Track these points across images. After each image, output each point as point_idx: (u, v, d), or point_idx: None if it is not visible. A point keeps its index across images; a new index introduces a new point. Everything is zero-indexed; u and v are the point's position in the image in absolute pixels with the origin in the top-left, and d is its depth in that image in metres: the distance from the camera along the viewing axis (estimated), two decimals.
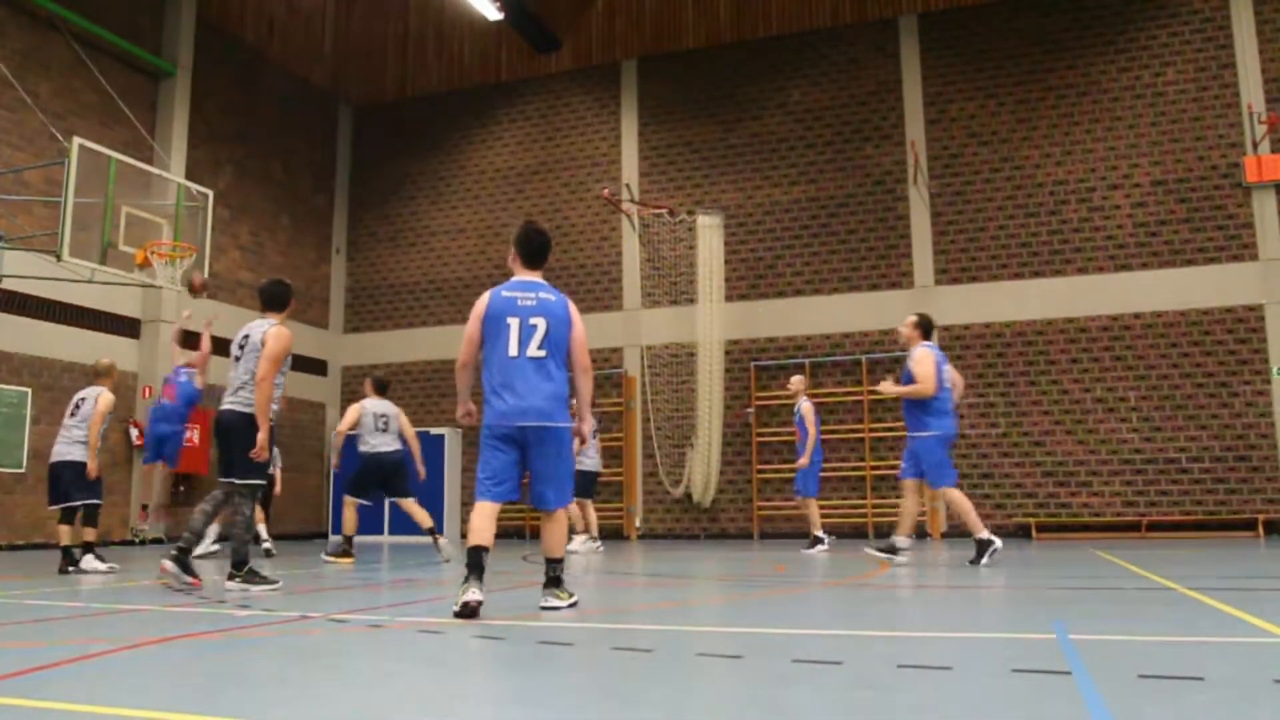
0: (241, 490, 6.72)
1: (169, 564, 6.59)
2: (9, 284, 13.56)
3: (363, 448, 10.71)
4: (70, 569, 8.76)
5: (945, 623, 5.14)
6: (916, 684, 3.11)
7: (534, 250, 5.60)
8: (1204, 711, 2.62)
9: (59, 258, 11.45)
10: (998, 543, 8.61)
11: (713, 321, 17.13)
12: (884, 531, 15.85)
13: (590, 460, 12.25)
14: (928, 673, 3.29)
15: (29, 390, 14.20)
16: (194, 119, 17.13)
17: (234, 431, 6.69)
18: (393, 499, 11.04)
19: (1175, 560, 9.06)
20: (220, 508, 6.95)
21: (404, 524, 18.35)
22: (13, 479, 13.92)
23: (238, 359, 6.86)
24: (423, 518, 10.72)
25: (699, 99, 18.44)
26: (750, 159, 17.89)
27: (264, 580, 6.60)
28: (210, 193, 13.67)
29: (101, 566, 8.86)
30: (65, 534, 9.00)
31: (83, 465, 8.95)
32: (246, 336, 6.88)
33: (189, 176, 15.76)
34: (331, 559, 10.21)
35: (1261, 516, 14.31)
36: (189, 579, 6.60)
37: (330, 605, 5.88)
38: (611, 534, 17.62)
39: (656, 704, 2.82)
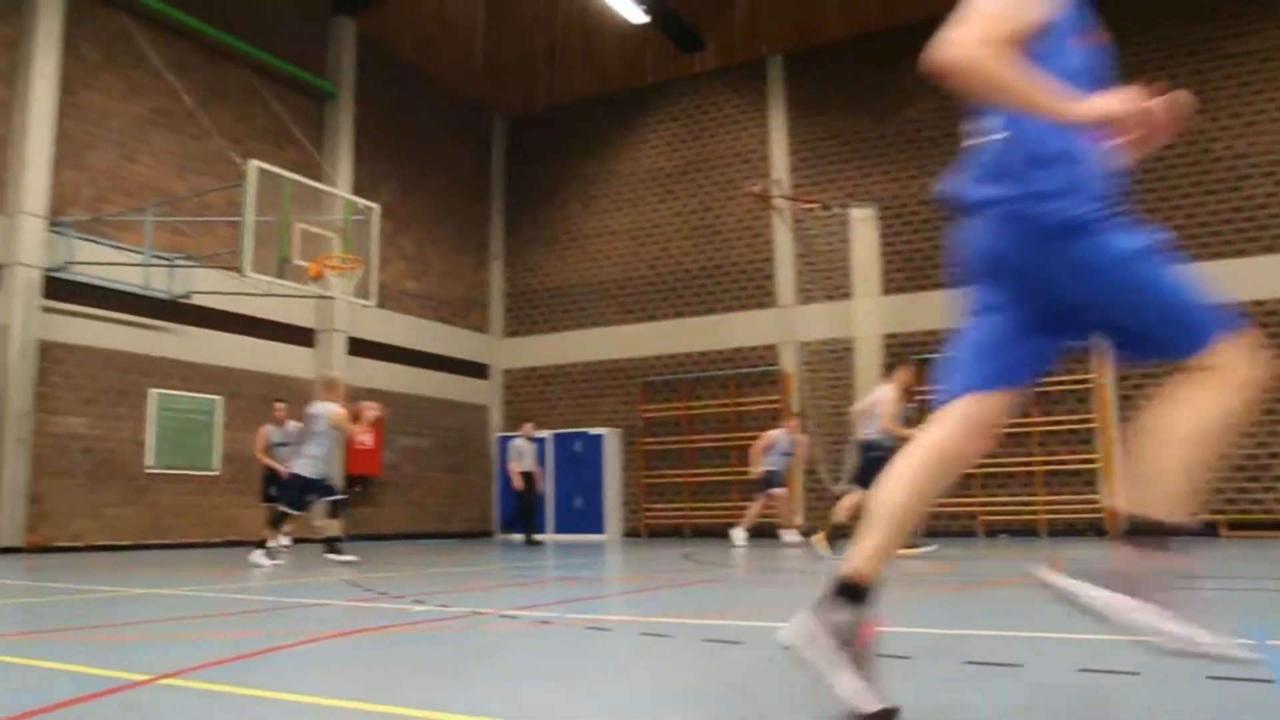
0: None
1: None
2: (198, 299, 14.53)
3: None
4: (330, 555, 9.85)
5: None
6: (1102, 689, 2.98)
7: None
8: None
9: (241, 273, 12.19)
10: None
11: (870, 316, 16.81)
12: (1060, 529, 15.24)
13: None
14: (1114, 678, 3.14)
15: (219, 398, 15.16)
16: (358, 136, 17.96)
17: None
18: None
19: None
20: None
21: (568, 523, 18.81)
22: (208, 481, 14.90)
23: None
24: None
25: (848, 90, 18.13)
26: (903, 148, 17.49)
27: None
28: (376, 206, 14.29)
29: (267, 563, 9.44)
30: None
31: (311, 480, 10.12)
32: None
33: (355, 192, 16.51)
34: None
35: None
36: None
37: (500, 602, 6.06)
38: (767, 532, 17.51)
39: (828, 704, 2.79)
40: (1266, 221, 14.81)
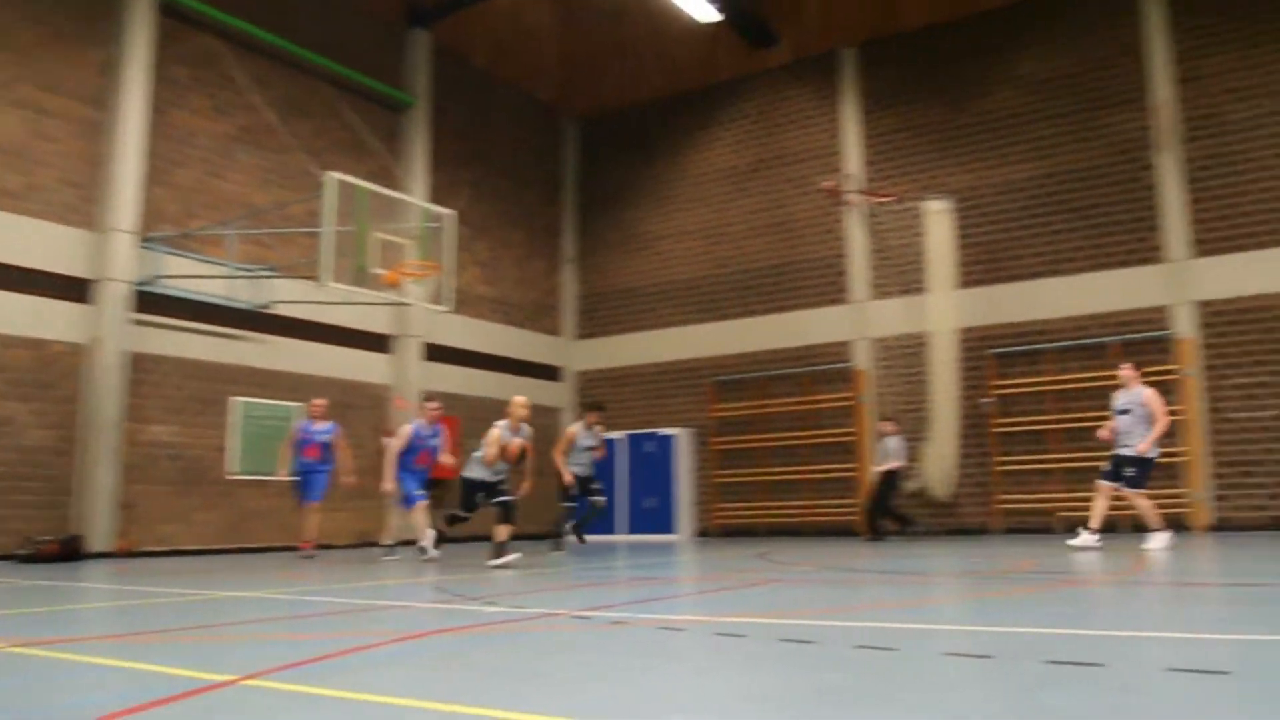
0: None
1: None
2: (279, 309, 14.89)
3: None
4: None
5: (1219, 623, 4.74)
6: (1191, 689, 2.88)
7: None
8: None
9: (321, 283, 12.45)
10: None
11: (945, 309, 16.54)
12: (1143, 525, 14.81)
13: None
14: (1203, 678, 3.04)
15: (298, 405, 15.48)
16: (433, 145, 18.21)
17: None
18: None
19: None
20: None
21: (640, 523, 18.84)
22: (287, 485, 15.21)
23: None
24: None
25: (922, 81, 17.84)
26: (981, 138, 17.14)
27: None
28: (451, 213, 14.47)
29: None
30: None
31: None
32: None
33: (430, 199, 16.74)
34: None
35: None
36: None
37: (573, 603, 6.09)
38: (839, 530, 17.32)
39: (908, 705, 2.74)
40: None
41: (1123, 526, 15.08)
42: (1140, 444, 10.12)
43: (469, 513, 10.56)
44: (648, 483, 19.06)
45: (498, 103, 20.14)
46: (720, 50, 19.96)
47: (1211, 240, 15.09)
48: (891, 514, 14.81)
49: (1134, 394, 10.45)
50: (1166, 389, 15.02)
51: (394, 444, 11.34)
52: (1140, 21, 15.97)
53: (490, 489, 10.25)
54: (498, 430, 10.16)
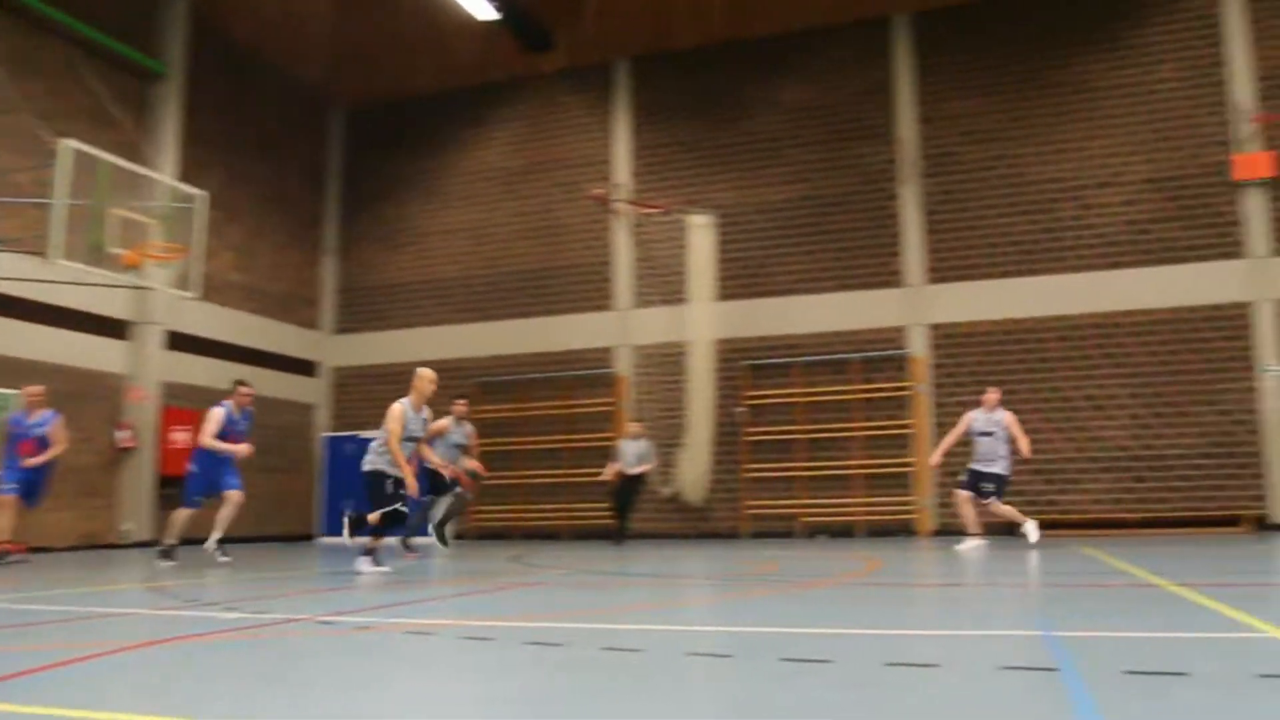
0: None
1: None
2: None
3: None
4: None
5: (932, 621, 5.16)
6: (905, 682, 3.12)
7: None
8: (1190, 707, 2.63)
9: (49, 260, 11.41)
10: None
11: (704, 321, 17.13)
12: (875, 530, 15.89)
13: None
14: (915, 670, 3.30)
15: (14, 392, 14.10)
16: (186, 120, 17.05)
17: None
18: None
19: (1162, 556, 9.08)
20: None
21: (396, 526, 18.35)
22: None
23: None
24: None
25: (692, 98, 18.43)
26: (743, 158, 17.89)
27: None
28: (204, 194, 13.60)
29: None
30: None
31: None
32: None
33: (181, 178, 15.66)
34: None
35: (1247, 513, 14.34)
36: None
37: (318, 608, 5.87)
38: (597, 534, 17.59)
39: (648, 704, 2.82)
40: (1073, 242, 15.85)
41: (859, 531, 16.12)
42: (1013, 458, 11.20)
43: (394, 505, 8.74)
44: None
45: (260, 83, 19.17)
46: (497, 50, 19.79)
47: (943, 269, 16.42)
48: (621, 514, 14.98)
49: (995, 417, 11.31)
50: (900, 404, 16.25)
51: (207, 427, 10.27)
52: (890, 62, 17.18)
53: (398, 484, 8.71)
54: (400, 406, 8.78)
